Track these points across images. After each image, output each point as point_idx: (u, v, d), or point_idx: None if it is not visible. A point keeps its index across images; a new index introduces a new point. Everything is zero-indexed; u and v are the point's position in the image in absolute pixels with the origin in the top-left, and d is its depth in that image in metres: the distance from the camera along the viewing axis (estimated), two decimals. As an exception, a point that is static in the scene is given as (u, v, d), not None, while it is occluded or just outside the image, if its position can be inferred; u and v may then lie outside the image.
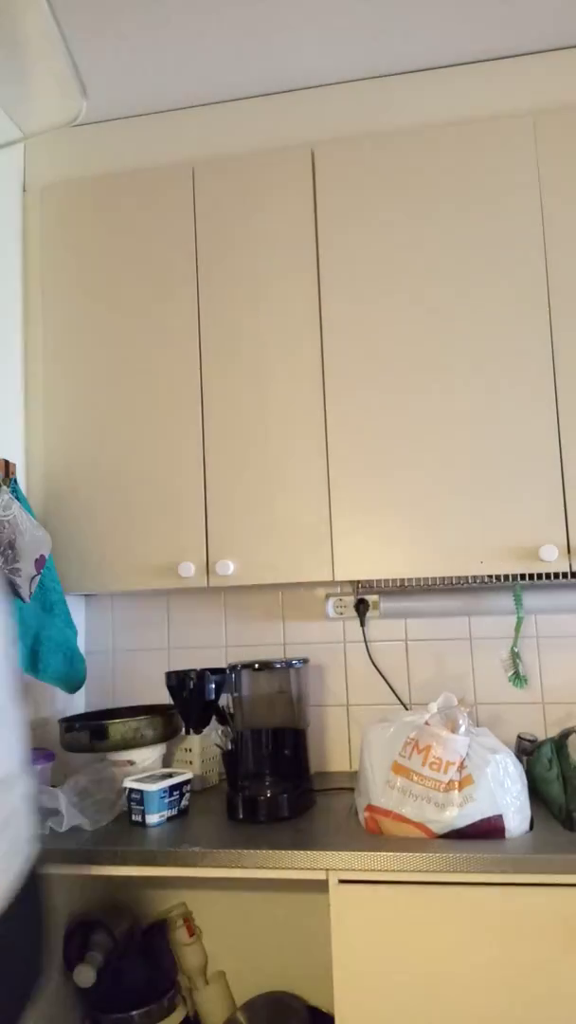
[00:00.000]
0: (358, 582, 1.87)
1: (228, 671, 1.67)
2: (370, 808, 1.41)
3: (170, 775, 1.56)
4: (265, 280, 1.76)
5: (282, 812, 1.50)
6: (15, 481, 1.69)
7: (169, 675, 1.77)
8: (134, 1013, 1.61)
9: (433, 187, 1.71)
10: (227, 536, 1.71)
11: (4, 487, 1.65)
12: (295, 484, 1.70)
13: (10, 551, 1.59)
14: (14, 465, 1.77)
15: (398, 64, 1.83)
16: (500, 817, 1.33)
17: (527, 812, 1.37)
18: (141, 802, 1.50)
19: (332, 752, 1.90)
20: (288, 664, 1.64)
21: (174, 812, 1.54)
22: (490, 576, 1.78)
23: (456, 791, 1.34)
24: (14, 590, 1.62)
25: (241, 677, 1.66)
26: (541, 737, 1.80)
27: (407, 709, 1.76)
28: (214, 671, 1.77)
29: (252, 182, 1.79)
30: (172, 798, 1.53)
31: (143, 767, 1.67)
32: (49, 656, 1.67)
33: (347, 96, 1.88)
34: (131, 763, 1.66)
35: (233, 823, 1.50)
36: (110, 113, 1.96)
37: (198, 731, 1.78)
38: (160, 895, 1.90)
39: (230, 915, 1.86)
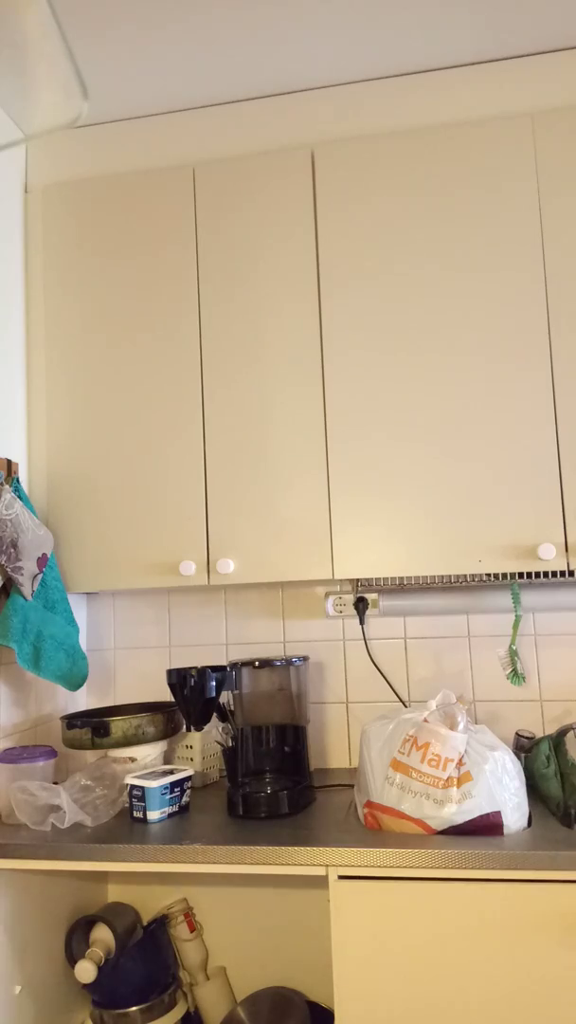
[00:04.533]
0: (357, 580, 1.88)
1: (229, 669, 1.68)
2: (369, 804, 1.43)
3: (171, 772, 1.57)
4: (266, 280, 1.77)
5: (282, 808, 1.52)
6: (17, 480, 1.70)
7: (170, 673, 1.79)
8: (135, 1008, 1.62)
9: (433, 188, 1.71)
10: (227, 535, 1.72)
11: (6, 486, 1.66)
12: (295, 483, 1.71)
13: (12, 550, 1.61)
14: (16, 464, 1.79)
15: (398, 66, 1.84)
16: (498, 814, 1.34)
17: (525, 809, 1.39)
18: (142, 799, 1.51)
19: (332, 749, 1.91)
20: (288, 662, 1.65)
21: (175, 808, 1.55)
22: (489, 575, 1.79)
23: (455, 788, 1.35)
24: (17, 588, 1.64)
25: (242, 675, 1.67)
26: (539, 734, 1.81)
27: (406, 706, 1.76)
28: (215, 669, 1.78)
29: (252, 183, 1.80)
30: (173, 795, 1.55)
31: (144, 764, 1.68)
32: (51, 654, 1.68)
33: (347, 98, 1.89)
34: (132, 760, 1.68)
35: (234, 819, 1.51)
36: (111, 114, 1.97)
37: (199, 728, 1.79)
38: (161, 891, 1.92)
39: (231, 911, 1.87)
